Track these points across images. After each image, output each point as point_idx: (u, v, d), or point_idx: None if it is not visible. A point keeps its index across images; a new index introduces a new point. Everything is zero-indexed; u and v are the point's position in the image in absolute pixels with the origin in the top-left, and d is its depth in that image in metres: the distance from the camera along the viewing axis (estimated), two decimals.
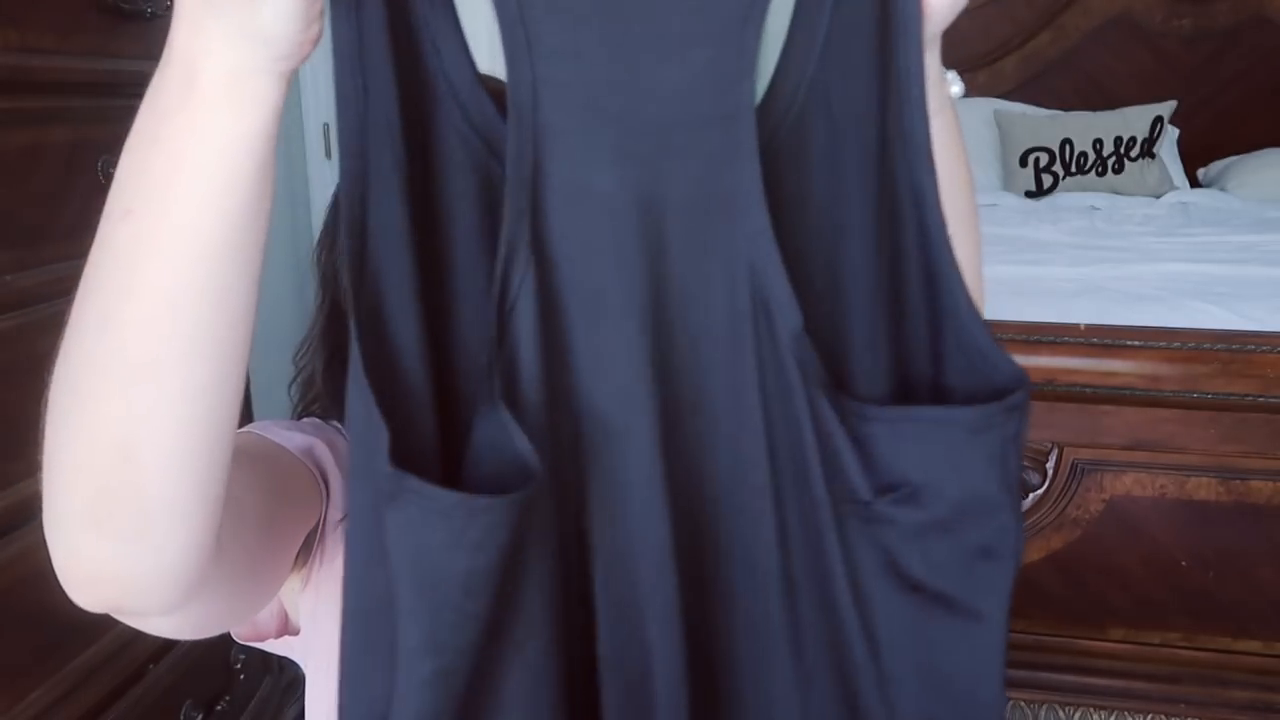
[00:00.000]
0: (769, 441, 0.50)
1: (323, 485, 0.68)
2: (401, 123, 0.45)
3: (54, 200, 1.20)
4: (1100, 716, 1.78)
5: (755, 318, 0.48)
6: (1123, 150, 2.89)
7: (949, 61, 0.52)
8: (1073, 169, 2.91)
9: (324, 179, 2.55)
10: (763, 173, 0.47)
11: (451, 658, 0.44)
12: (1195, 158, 3.04)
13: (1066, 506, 1.71)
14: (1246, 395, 1.61)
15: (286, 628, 0.74)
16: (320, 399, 0.75)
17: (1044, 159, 2.92)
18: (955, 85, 0.55)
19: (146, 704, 1.38)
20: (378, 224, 0.45)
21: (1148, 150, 2.89)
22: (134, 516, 0.43)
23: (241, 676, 1.60)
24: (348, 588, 0.47)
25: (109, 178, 0.42)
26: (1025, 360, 1.63)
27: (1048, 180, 2.92)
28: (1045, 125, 2.97)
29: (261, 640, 0.73)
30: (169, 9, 0.41)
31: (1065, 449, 1.68)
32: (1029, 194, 2.90)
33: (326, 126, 2.57)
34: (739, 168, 0.46)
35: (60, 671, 1.23)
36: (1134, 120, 2.91)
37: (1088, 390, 1.66)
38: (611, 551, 0.49)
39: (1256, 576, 1.70)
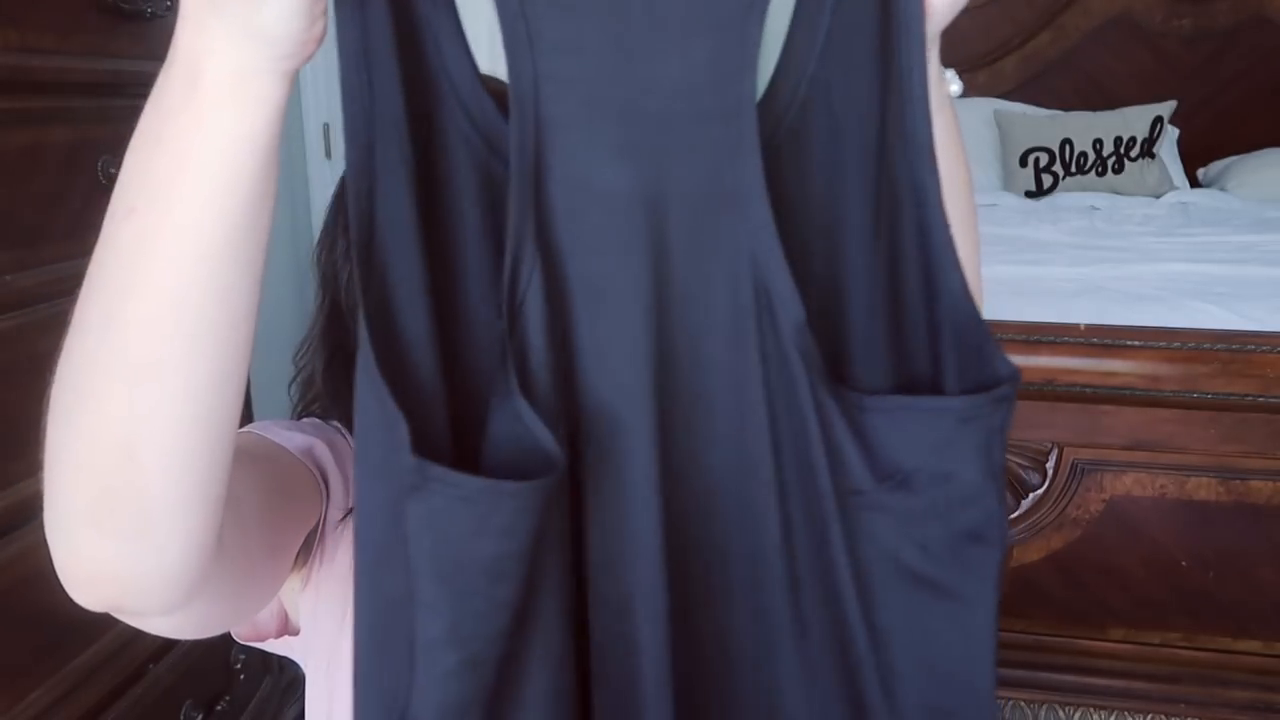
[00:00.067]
0: (773, 435, 0.50)
1: (323, 485, 0.68)
2: (407, 119, 0.45)
3: (54, 200, 1.20)
4: (1100, 716, 1.78)
5: (758, 311, 0.49)
6: (1123, 150, 2.89)
7: (948, 61, 0.52)
8: (1073, 169, 2.91)
9: (324, 179, 2.55)
10: (765, 168, 0.47)
11: (480, 646, 0.44)
12: (1195, 158, 3.04)
13: (1066, 506, 1.71)
14: (1246, 395, 1.61)
15: (286, 628, 0.74)
16: (320, 399, 0.75)
17: (1044, 159, 2.92)
18: (954, 84, 0.55)
19: (146, 704, 1.38)
20: (385, 218, 0.45)
21: (1148, 150, 2.89)
22: (135, 516, 0.44)
23: (241, 677, 1.61)
24: (359, 587, 0.47)
25: (109, 178, 0.42)
26: (1025, 360, 1.64)
27: (1048, 180, 2.92)
28: (1045, 125, 2.98)
29: (261, 640, 0.73)
30: (169, 9, 0.41)
31: (1065, 449, 1.68)
32: (1029, 194, 2.90)
33: (327, 126, 2.57)
34: (741, 162, 0.47)
35: (60, 671, 1.23)
36: (1134, 120, 2.91)
37: (1088, 390, 1.66)
38: (605, 543, 0.49)
39: (1256, 576, 1.70)
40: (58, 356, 0.43)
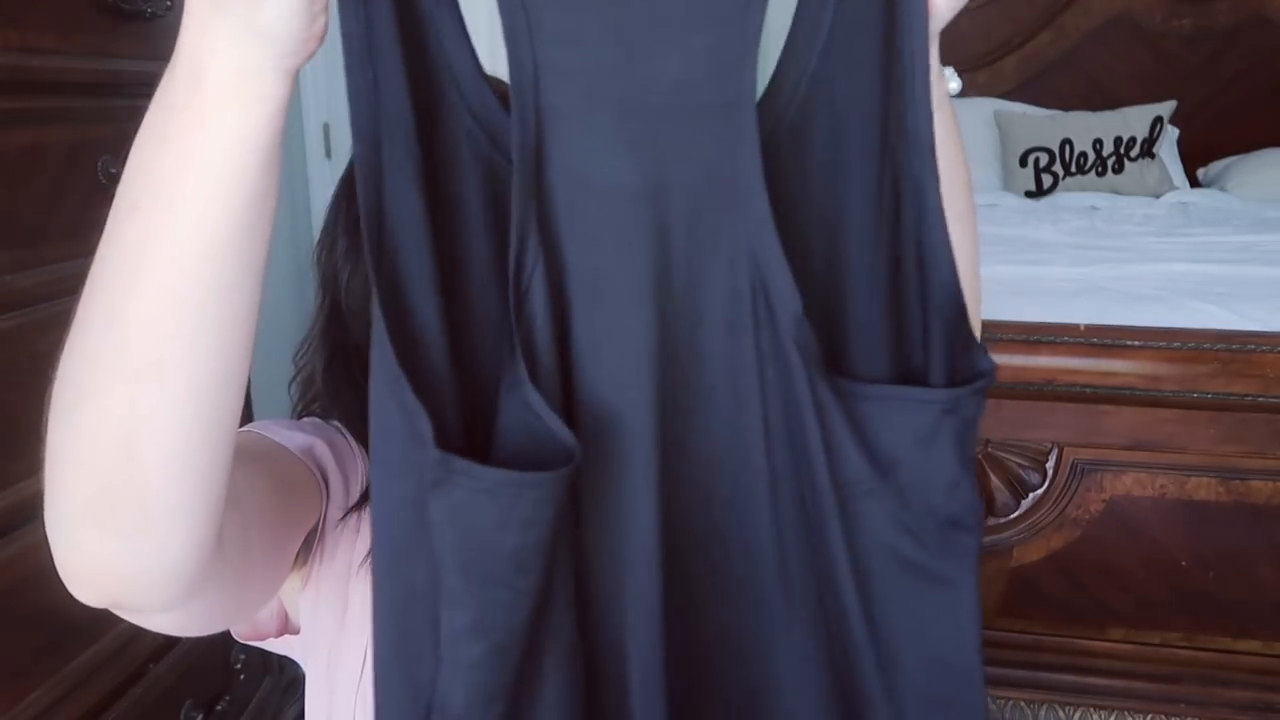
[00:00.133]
0: (766, 426, 0.51)
1: (323, 484, 0.68)
2: (413, 114, 0.46)
3: (54, 200, 1.20)
4: (1100, 716, 1.79)
5: (755, 303, 0.49)
6: (1123, 150, 2.89)
7: (948, 61, 0.52)
8: (1073, 169, 2.91)
9: (324, 179, 2.56)
10: (765, 165, 0.47)
11: (503, 636, 0.45)
12: (1195, 158, 3.04)
13: (1066, 506, 1.71)
14: (1246, 395, 1.61)
15: (286, 627, 0.74)
16: (320, 398, 0.75)
17: (1044, 159, 2.92)
18: (952, 81, 0.55)
19: (146, 704, 1.38)
20: (395, 216, 0.46)
21: (1148, 150, 2.90)
22: (135, 514, 0.44)
23: (241, 677, 1.61)
24: (378, 584, 0.47)
25: (109, 178, 0.42)
26: (1025, 360, 1.65)
27: (1048, 180, 2.92)
28: (1045, 125, 2.98)
29: (261, 639, 0.73)
30: (169, 9, 0.41)
31: (1065, 449, 1.68)
32: (1029, 194, 2.90)
33: (327, 126, 2.57)
34: (740, 154, 0.47)
35: (60, 671, 1.23)
36: (1134, 120, 2.91)
37: (1088, 390, 1.66)
38: (602, 533, 0.50)
39: (1256, 576, 1.70)
40: (58, 356, 0.44)
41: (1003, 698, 1.80)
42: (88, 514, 0.44)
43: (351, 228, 0.70)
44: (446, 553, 0.44)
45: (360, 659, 0.70)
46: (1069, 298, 1.78)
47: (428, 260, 0.46)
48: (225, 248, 0.42)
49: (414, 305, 0.46)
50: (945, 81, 0.54)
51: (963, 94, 0.57)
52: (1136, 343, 1.63)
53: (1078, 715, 1.79)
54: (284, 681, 1.72)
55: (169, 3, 1.32)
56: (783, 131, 0.50)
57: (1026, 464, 1.70)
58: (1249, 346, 1.60)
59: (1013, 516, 1.72)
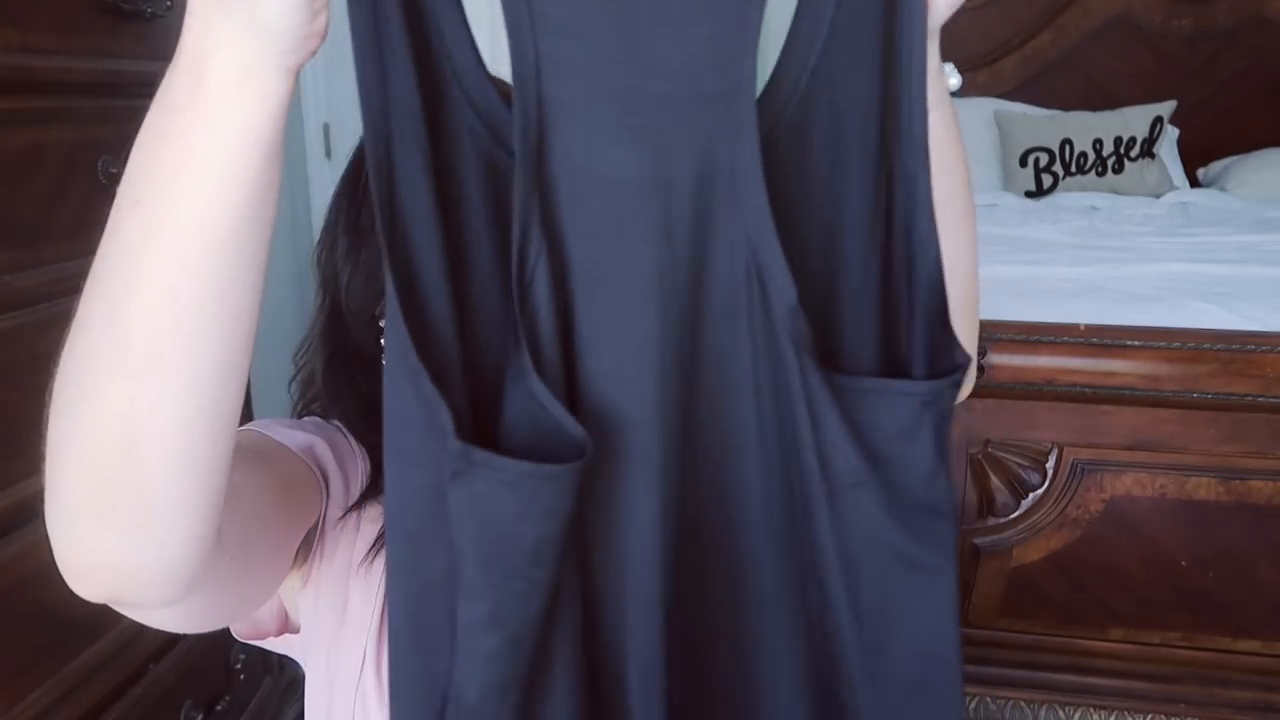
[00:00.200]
0: (758, 415, 0.51)
1: (323, 483, 0.68)
2: (422, 106, 0.46)
3: (54, 200, 1.20)
4: (1100, 716, 1.79)
5: (750, 293, 0.49)
6: (1123, 150, 2.89)
7: (948, 59, 0.52)
8: (1073, 169, 2.91)
9: (324, 179, 2.56)
10: (766, 161, 0.47)
11: (519, 627, 0.46)
12: (1195, 158, 3.04)
13: (1066, 506, 1.71)
14: (1246, 395, 1.61)
15: (286, 626, 0.74)
16: (320, 398, 0.75)
17: (1044, 159, 2.92)
18: (953, 78, 0.55)
19: (146, 704, 1.38)
20: (407, 209, 0.46)
21: (1148, 150, 2.90)
22: (135, 509, 0.44)
23: (241, 676, 1.61)
24: (393, 575, 0.48)
25: (109, 178, 0.42)
26: (1025, 360, 1.65)
27: (1048, 180, 2.92)
28: (1045, 125, 2.98)
29: (261, 638, 0.73)
30: (169, 9, 0.41)
31: (1065, 449, 1.68)
32: (1029, 194, 2.90)
33: (327, 126, 2.57)
34: (739, 145, 0.47)
35: (60, 671, 1.23)
36: (1134, 120, 2.91)
37: (1088, 390, 1.66)
38: (604, 525, 0.50)
39: (1256, 576, 1.70)
40: (58, 356, 0.44)
41: (1003, 698, 1.80)
42: (88, 509, 0.44)
43: (351, 228, 0.70)
44: (466, 544, 0.44)
45: (360, 658, 0.70)
46: (1069, 298, 1.78)
47: (438, 253, 0.46)
48: (226, 244, 0.42)
49: (427, 298, 0.46)
50: (945, 78, 0.54)
51: (963, 94, 0.57)
52: (1136, 343, 1.64)
53: (1078, 715, 1.79)
54: (284, 681, 1.72)
55: (169, 3, 1.32)
56: (783, 128, 0.50)
57: (1026, 464, 1.70)
58: (1249, 346, 1.61)
59: (1013, 516, 1.72)
